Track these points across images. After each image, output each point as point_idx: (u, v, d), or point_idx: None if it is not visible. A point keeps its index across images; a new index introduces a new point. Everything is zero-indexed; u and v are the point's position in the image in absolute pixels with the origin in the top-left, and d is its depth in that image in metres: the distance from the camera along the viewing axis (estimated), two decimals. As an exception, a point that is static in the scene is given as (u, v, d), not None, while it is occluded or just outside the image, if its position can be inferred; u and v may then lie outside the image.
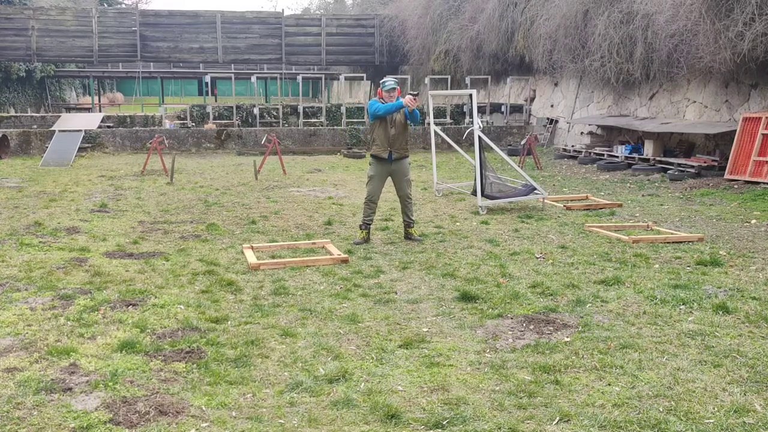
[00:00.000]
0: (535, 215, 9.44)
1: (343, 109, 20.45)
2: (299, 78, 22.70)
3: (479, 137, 9.85)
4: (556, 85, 19.14)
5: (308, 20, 28.65)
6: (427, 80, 21.23)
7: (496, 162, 13.88)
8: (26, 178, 13.31)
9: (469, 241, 7.80)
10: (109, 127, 19.45)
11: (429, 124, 12.28)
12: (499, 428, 3.45)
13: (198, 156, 17.87)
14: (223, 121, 20.16)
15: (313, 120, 20.73)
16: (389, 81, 7.79)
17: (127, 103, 40.50)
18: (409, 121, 7.70)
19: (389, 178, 7.92)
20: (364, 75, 26.51)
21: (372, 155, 7.86)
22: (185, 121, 20.09)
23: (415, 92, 7.60)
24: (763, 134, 11.35)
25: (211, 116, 20.46)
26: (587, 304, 5.44)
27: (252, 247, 7.33)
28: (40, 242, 7.57)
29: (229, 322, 5.04)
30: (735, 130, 11.95)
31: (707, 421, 3.50)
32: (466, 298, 5.58)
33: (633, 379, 4.01)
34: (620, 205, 10.19)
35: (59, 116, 20.28)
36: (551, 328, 4.92)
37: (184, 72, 36.73)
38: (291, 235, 8.25)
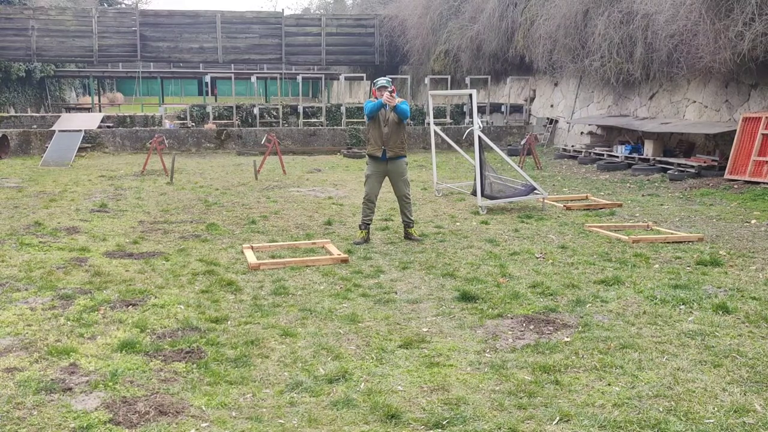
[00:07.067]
0: (535, 215, 9.44)
1: (343, 109, 20.45)
2: (299, 78, 22.70)
3: (479, 137, 9.85)
4: (556, 85, 19.13)
5: (308, 20, 28.65)
6: (427, 80, 21.24)
7: (496, 162, 13.88)
8: (26, 178, 13.31)
9: (469, 241, 7.80)
10: (109, 127, 19.44)
11: (429, 124, 12.28)
12: (499, 428, 3.45)
13: (198, 156, 17.87)
14: (223, 121, 20.16)
15: (313, 120, 20.73)
16: (380, 80, 7.96)
17: (127, 103, 40.46)
18: (401, 119, 7.72)
19: (387, 179, 7.94)
20: (364, 75, 26.49)
21: (368, 154, 7.91)
22: (185, 121, 20.09)
23: (390, 89, 7.66)
24: (763, 134, 11.35)
25: (211, 116, 20.46)
26: (587, 304, 5.44)
27: (252, 247, 7.33)
28: (40, 242, 7.57)
29: (229, 322, 5.04)
30: (735, 130, 11.95)
31: (707, 421, 3.50)
32: (466, 298, 5.58)
33: (633, 379, 4.01)
34: (620, 205, 10.19)
35: (59, 116, 20.27)
36: (551, 328, 4.92)
37: (184, 72, 36.72)
38: (291, 235, 8.25)
